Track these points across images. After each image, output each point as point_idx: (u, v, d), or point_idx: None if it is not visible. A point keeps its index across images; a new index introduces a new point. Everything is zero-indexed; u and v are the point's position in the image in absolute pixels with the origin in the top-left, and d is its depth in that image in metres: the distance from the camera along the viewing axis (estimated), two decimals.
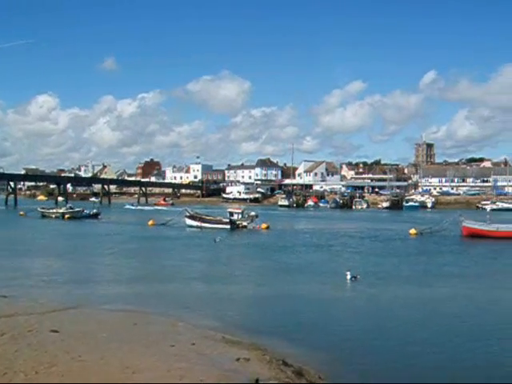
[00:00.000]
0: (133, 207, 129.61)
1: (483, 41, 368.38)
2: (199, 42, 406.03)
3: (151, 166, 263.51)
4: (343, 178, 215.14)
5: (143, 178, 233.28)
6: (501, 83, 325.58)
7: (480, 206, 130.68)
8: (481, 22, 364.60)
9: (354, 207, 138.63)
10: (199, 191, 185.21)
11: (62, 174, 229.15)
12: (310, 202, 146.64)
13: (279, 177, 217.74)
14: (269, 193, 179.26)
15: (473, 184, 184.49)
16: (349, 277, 29.15)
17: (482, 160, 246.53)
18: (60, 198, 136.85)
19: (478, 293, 27.14)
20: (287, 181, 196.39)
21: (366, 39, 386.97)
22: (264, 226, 65.42)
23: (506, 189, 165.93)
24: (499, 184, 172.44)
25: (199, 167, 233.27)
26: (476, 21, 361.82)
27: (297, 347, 17.21)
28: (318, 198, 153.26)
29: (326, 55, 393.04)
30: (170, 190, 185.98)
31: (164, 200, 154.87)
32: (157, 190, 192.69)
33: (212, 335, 17.46)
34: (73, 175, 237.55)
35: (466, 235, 55.40)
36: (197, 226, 64.50)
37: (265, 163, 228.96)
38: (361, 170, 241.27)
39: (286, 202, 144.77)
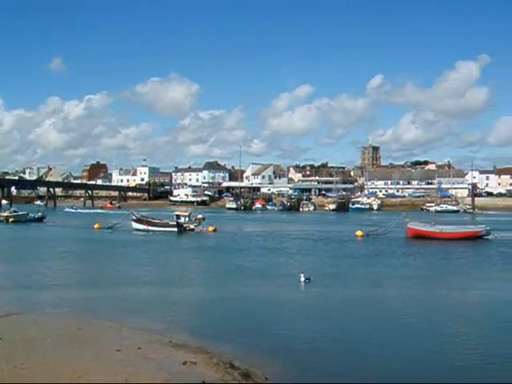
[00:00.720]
0: (73, 210, 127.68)
1: (429, 46, 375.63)
2: (147, 44, 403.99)
3: (97, 169, 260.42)
4: (290, 180, 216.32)
5: (89, 180, 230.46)
6: (445, 88, 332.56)
7: (424, 207, 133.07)
8: (426, 28, 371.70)
9: (301, 209, 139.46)
10: (146, 194, 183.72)
11: (6, 177, 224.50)
12: (258, 205, 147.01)
13: (227, 179, 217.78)
14: (216, 195, 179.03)
15: (418, 186, 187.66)
16: (302, 279, 29.29)
17: (426, 163, 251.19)
18: (4, 202, 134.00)
19: (425, 293, 27.65)
20: (234, 183, 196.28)
21: (314, 42, 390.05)
22: (211, 228, 65.32)
23: (450, 191, 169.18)
24: (443, 186, 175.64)
25: (146, 170, 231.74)
26: (422, 27, 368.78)
27: (245, 350, 17.23)
28: (265, 201, 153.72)
29: (275, 59, 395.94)
30: (116, 193, 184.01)
31: (110, 203, 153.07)
32: (103, 192, 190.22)
33: (159, 339, 17.35)
34: (17, 178, 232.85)
35: (410, 236, 56.37)
36: (143, 230, 63.95)
37: (212, 166, 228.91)
38: (308, 173, 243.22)
39: (233, 205, 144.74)
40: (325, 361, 16.50)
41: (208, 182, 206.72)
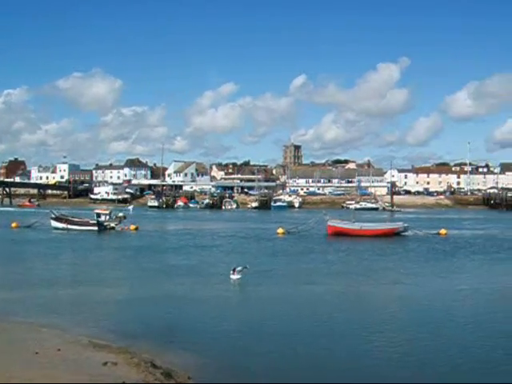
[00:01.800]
0: None
1: (352, 48, 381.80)
2: (69, 38, 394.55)
3: (16, 166, 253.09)
4: (213, 178, 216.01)
5: (7, 178, 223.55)
6: (366, 89, 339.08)
7: (345, 205, 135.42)
8: (349, 30, 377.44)
9: (223, 207, 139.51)
10: (66, 192, 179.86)
11: None
12: (180, 203, 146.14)
13: (148, 177, 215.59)
14: (138, 193, 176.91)
15: (338, 184, 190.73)
16: (233, 276, 29.35)
17: (346, 162, 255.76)
18: None
19: (348, 289, 28.22)
20: (156, 181, 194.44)
21: (237, 41, 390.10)
22: (133, 227, 64.63)
23: (369, 189, 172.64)
24: (363, 184, 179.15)
25: (66, 167, 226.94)
26: (345, 28, 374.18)
27: (168, 348, 17.19)
28: (187, 199, 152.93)
29: (199, 57, 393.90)
30: (35, 191, 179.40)
31: (29, 201, 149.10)
32: (22, 190, 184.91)
33: (79, 340, 17.08)
34: None
35: (331, 234, 57.25)
36: (63, 228, 62.65)
37: (134, 163, 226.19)
38: (230, 171, 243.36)
39: (155, 203, 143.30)
40: (248, 359, 16.60)
41: (129, 180, 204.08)
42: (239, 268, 29.50)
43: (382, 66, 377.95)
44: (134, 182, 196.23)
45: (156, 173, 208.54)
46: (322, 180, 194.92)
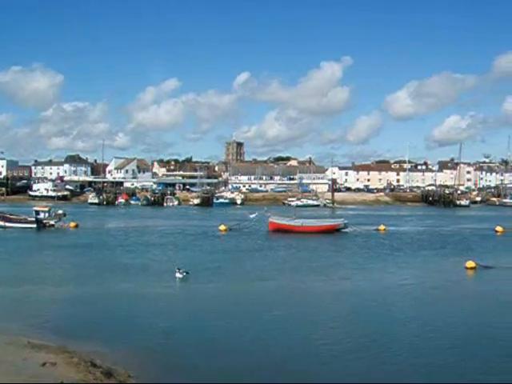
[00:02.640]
0: None
1: (295, 46, 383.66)
2: (8, 31, 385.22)
3: None
4: (155, 175, 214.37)
5: None
6: (309, 87, 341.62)
7: (286, 202, 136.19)
8: (294, 28, 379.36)
9: (165, 204, 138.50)
10: (4, 188, 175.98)
11: None
12: (121, 200, 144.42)
13: (89, 173, 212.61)
14: (78, 190, 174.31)
15: (280, 181, 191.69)
16: (177, 274, 29.20)
17: (288, 159, 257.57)
18: None
19: (290, 284, 28.49)
20: (96, 178, 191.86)
21: (181, 38, 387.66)
22: (72, 224, 63.71)
23: (311, 186, 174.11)
24: (304, 182, 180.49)
25: (4, 163, 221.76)
26: (290, 26, 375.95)
27: (109, 347, 17.10)
28: (128, 196, 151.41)
29: (142, 52, 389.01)
30: None
31: None
32: None
33: (16, 341, 16.79)
34: None
35: (272, 230, 57.63)
36: (0, 226, 61.36)
37: (74, 159, 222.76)
38: (172, 168, 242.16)
39: (96, 200, 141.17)
40: (190, 356, 16.62)
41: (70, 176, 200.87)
42: (181, 271, 29.36)
43: (325, 65, 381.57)
44: (74, 178, 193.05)
45: (97, 169, 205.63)
46: (264, 177, 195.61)
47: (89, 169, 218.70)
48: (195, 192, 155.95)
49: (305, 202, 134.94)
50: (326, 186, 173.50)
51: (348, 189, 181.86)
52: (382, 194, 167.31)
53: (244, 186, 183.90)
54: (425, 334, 19.15)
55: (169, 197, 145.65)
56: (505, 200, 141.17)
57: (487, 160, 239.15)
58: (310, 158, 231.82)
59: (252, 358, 16.73)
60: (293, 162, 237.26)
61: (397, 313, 22.44)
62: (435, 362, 16.31)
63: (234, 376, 15.20)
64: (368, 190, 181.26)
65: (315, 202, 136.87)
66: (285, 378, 15.26)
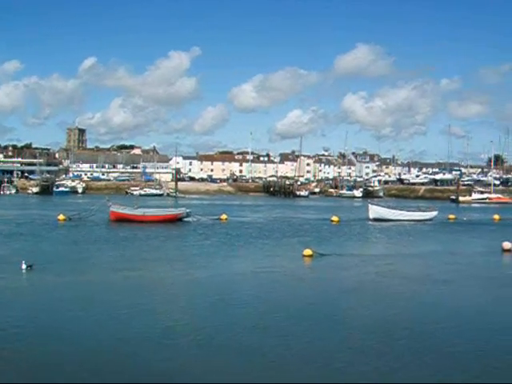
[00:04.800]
0: None
1: (145, 34, 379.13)
2: None
3: None
4: None
5: None
6: (156, 76, 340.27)
7: (129, 191, 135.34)
8: (143, 16, 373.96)
9: (1, 192, 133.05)
10: None
11: None
12: None
13: None
14: None
15: (123, 170, 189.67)
16: (24, 266, 28.02)
17: (132, 147, 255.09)
18: None
19: (127, 276, 28.27)
20: None
21: (25, 19, 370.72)
22: None
23: (154, 175, 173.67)
24: (148, 171, 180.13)
25: None
26: (134, 16, 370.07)
27: None
28: None
29: None
30: None
31: None
32: None
33: None
34: None
35: (113, 220, 57.00)
36: None
37: None
38: (10, 154, 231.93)
39: None
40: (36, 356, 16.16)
41: None
42: (24, 265, 28.24)
43: (173, 54, 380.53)
44: None
45: None
46: (107, 165, 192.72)
47: None
48: (34, 180, 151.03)
49: (148, 191, 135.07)
50: (170, 176, 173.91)
51: (192, 178, 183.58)
52: (225, 184, 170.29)
53: (86, 174, 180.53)
54: (255, 320, 19.73)
55: (6, 185, 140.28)
56: (341, 191, 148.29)
57: (326, 153, 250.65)
58: (154, 146, 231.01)
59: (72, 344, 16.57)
60: (136, 151, 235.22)
61: (230, 300, 22.92)
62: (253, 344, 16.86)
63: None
64: (211, 180, 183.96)
65: (159, 192, 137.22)
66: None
